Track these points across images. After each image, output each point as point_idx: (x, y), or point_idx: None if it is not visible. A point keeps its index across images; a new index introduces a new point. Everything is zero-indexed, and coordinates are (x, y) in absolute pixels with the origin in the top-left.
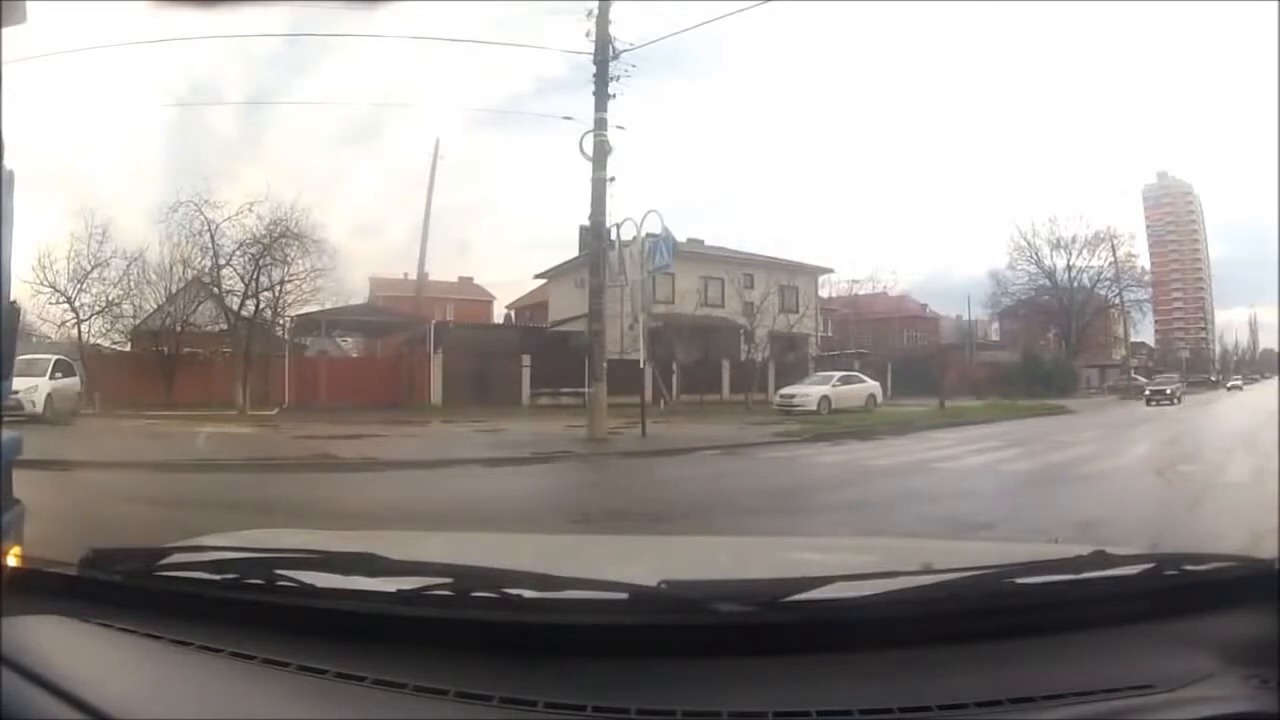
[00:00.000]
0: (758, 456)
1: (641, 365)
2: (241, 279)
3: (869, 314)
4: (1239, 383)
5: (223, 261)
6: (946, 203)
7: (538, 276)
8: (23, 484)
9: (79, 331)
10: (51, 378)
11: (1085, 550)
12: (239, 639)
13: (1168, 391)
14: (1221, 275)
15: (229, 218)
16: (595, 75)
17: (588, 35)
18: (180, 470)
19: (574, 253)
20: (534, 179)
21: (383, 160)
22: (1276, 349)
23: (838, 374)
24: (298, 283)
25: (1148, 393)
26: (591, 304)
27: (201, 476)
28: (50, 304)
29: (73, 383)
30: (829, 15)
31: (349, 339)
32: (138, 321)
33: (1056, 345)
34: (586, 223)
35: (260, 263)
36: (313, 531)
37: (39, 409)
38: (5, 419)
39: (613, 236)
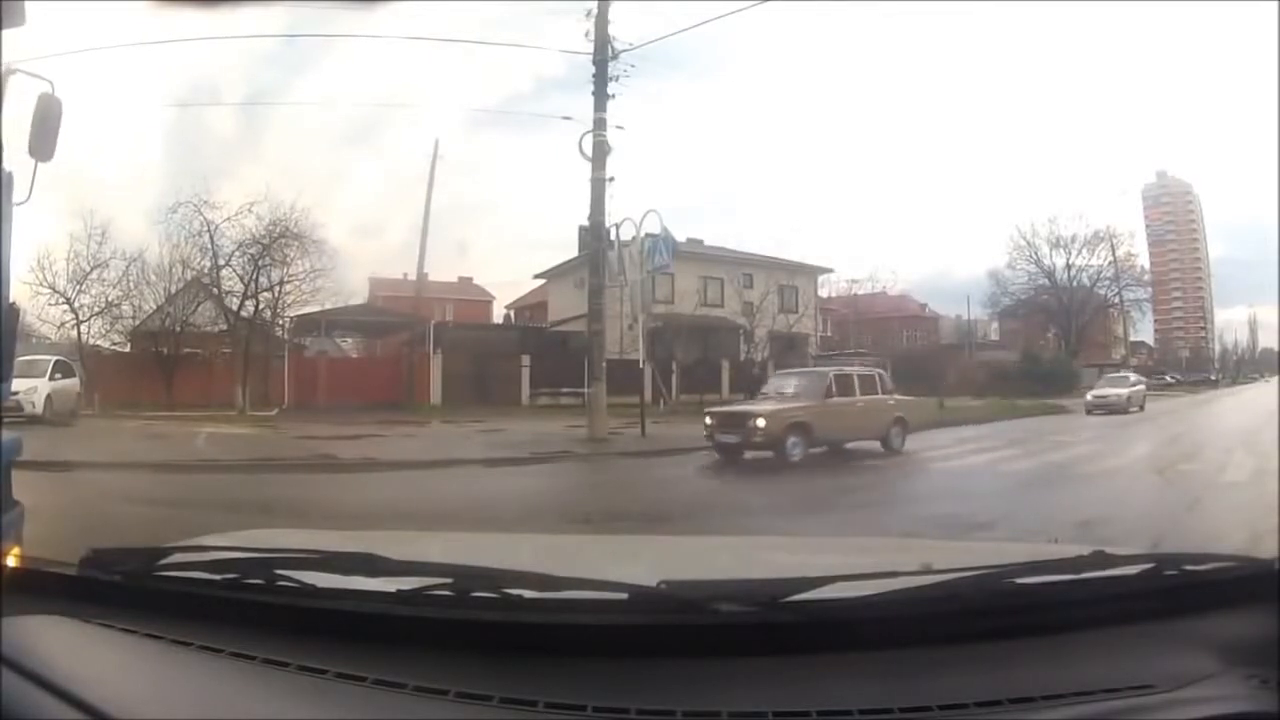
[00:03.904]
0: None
1: (641, 365)
2: (241, 279)
3: (868, 314)
4: (1128, 391)
5: (222, 262)
6: (946, 202)
7: (537, 276)
8: (22, 485)
9: (78, 332)
10: (51, 379)
11: (1085, 550)
12: (239, 639)
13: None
14: (1221, 274)
15: (228, 218)
16: (594, 75)
17: (587, 35)
18: (180, 471)
19: (574, 253)
20: (534, 179)
21: (383, 160)
22: (1276, 349)
23: None
24: (297, 283)
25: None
26: (591, 304)
27: (201, 477)
28: (50, 305)
29: (72, 384)
30: (829, 15)
31: (348, 339)
32: (137, 322)
33: (1056, 345)
34: (586, 223)
35: (260, 263)
36: (313, 531)
37: (39, 410)
38: (5, 420)
39: (612, 236)
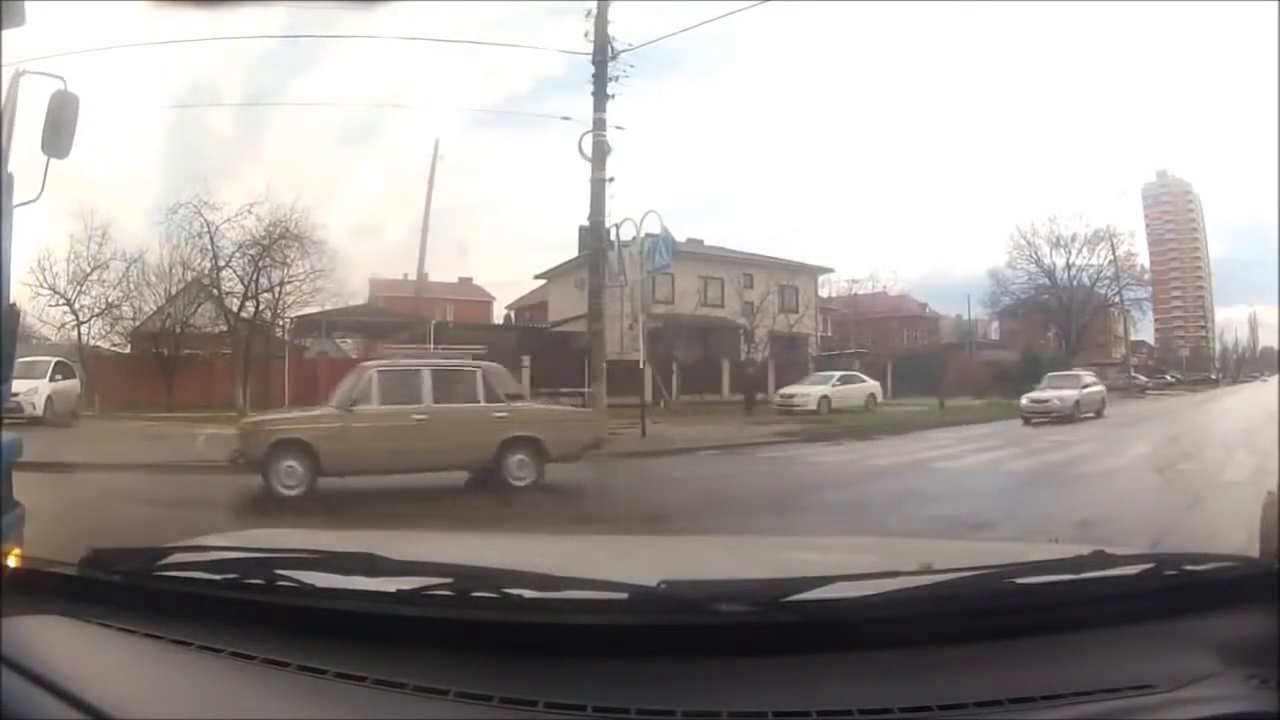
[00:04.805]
0: (758, 456)
1: (641, 365)
2: (241, 281)
3: (869, 313)
4: (1077, 395)
5: (222, 263)
6: (946, 201)
7: (538, 277)
8: (23, 486)
9: (79, 333)
10: (51, 380)
11: (1085, 550)
12: (239, 639)
13: None
14: (1221, 274)
15: (228, 219)
16: (594, 75)
17: (586, 35)
18: (181, 471)
19: (574, 253)
20: (534, 179)
21: (383, 160)
22: (1276, 347)
23: (838, 374)
24: (297, 284)
25: None
26: (591, 304)
27: (202, 478)
28: (50, 306)
29: (72, 385)
30: (828, 15)
31: (349, 340)
32: (137, 323)
33: (1056, 344)
34: (586, 223)
35: (260, 264)
36: (313, 531)
37: (39, 411)
38: (5, 421)
39: (612, 237)
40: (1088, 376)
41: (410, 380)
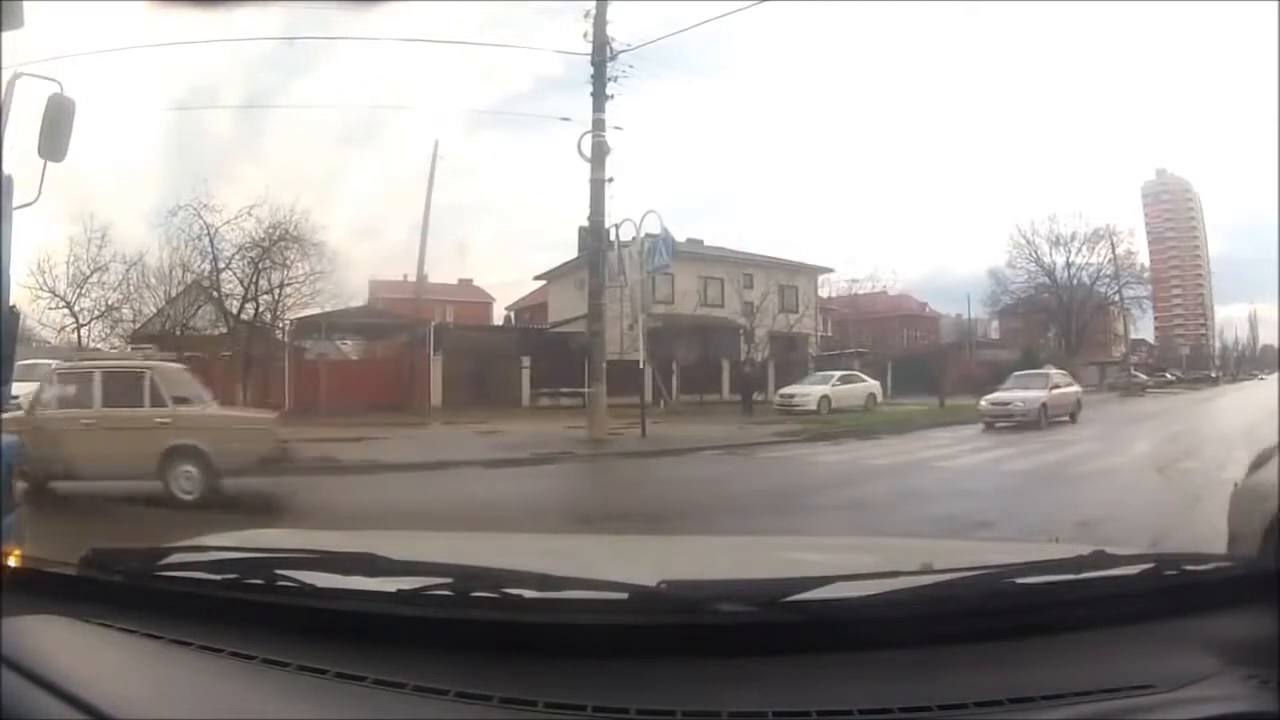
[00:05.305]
0: (758, 456)
1: (641, 365)
2: (241, 283)
3: (868, 313)
4: (1044, 397)
5: (222, 265)
6: (945, 201)
7: (538, 278)
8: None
9: (78, 336)
10: None
11: (1085, 550)
12: (239, 639)
13: None
14: (1221, 272)
15: (228, 221)
16: (593, 76)
17: (585, 36)
18: None
19: (574, 253)
20: (533, 179)
21: (382, 162)
22: (1277, 345)
23: (837, 373)
24: (297, 286)
25: None
26: (591, 304)
27: None
28: (50, 309)
29: None
30: (828, 15)
31: (349, 341)
32: (137, 326)
33: (1056, 343)
34: (586, 223)
35: (259, 266)
36: (313, 531)
37: None
38: (5, 423)
39: (612, 237)
40: (1059, 376)
41: (83, 382)
